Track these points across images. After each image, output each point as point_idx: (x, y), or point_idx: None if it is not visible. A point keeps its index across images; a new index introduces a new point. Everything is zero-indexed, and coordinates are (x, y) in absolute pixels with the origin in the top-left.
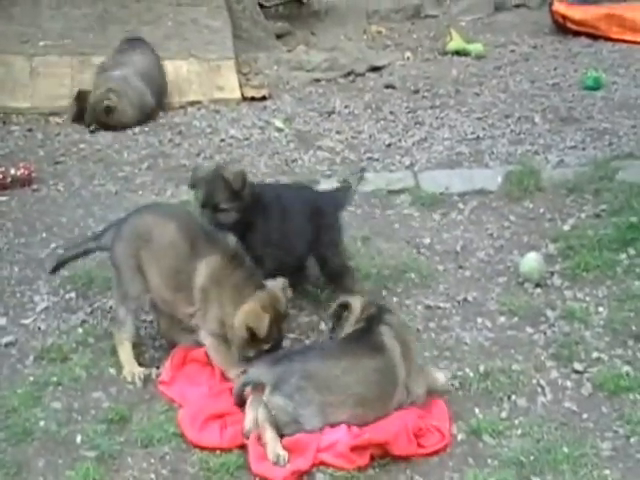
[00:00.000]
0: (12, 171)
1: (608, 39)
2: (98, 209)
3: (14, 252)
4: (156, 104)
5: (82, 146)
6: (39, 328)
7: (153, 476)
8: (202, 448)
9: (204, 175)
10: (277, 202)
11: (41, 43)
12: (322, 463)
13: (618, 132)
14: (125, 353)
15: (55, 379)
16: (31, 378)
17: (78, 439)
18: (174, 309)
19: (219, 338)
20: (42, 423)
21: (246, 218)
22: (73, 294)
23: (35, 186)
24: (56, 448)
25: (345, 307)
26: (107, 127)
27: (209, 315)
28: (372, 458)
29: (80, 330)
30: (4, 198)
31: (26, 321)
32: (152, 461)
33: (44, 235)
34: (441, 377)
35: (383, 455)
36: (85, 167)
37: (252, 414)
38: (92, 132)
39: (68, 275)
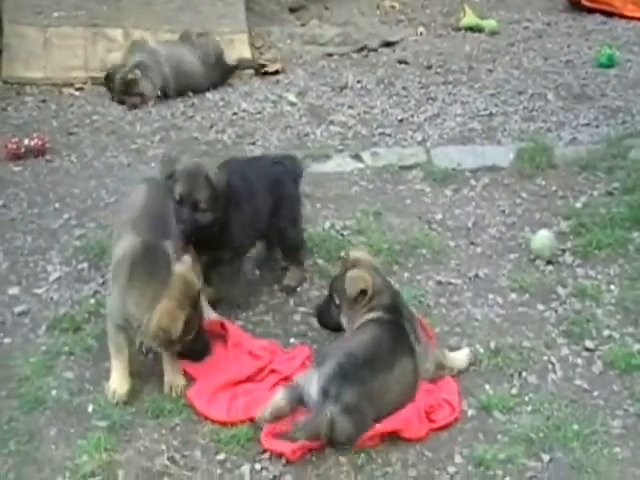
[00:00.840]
0: (26, 141)
1: (623, 16)
2: (111, 181)
3: (27, 222)
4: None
5: (95, 118)
6: (52, 298)
7: (164, 447)
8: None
9: (184, 169)
10: (241, 187)
11: (55, 14)
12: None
13: (631, 110)
14: None
15: (67, 349)
16: (43, 347)
17: (90, 409)
18: None
19: None
20: (54, 392)
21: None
22: (85, 264)
23: (48, 157)
24: (68, 417)
25: (364, 292)
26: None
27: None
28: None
29: (92, 301)
30: (18, 168)
31: (39, 291)
32: (163, 432)
33: (57, 205)
34: (463, 357)
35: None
36: (98, 139)
37: (274, 406)
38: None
39: (80, 245)
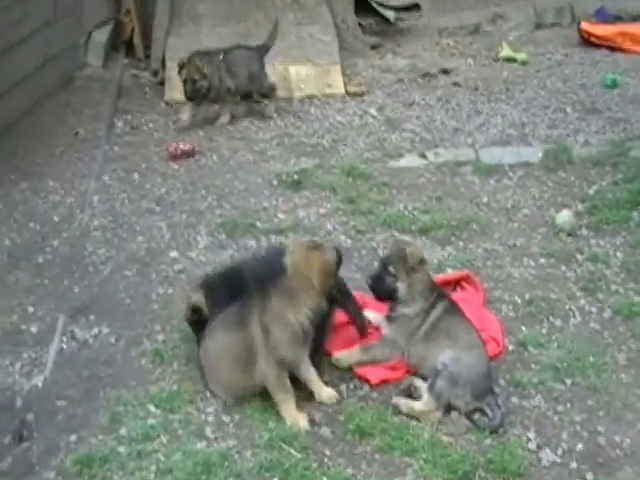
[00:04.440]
0: (181, 146)
1: (622, 50)
2: (241, 174)
3: (183, 204)
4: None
5: (230, 128)
6: (201, 260)
7: None
8: None
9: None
10: None
11: None
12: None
13: (630, 120)
14: None
15: None
16: None
17: None
18: None
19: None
20: None
21: None
22: (224, 235)
23: (197, 157)
24: None
25: (423, 261)
26: None
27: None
28: None
29: (228, 261)
30: (176, 166)
31: (191, 254)
32: None
33: (203, 192)
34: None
35: None
36: (232, 144)
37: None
38: None
39: (220, 221)
